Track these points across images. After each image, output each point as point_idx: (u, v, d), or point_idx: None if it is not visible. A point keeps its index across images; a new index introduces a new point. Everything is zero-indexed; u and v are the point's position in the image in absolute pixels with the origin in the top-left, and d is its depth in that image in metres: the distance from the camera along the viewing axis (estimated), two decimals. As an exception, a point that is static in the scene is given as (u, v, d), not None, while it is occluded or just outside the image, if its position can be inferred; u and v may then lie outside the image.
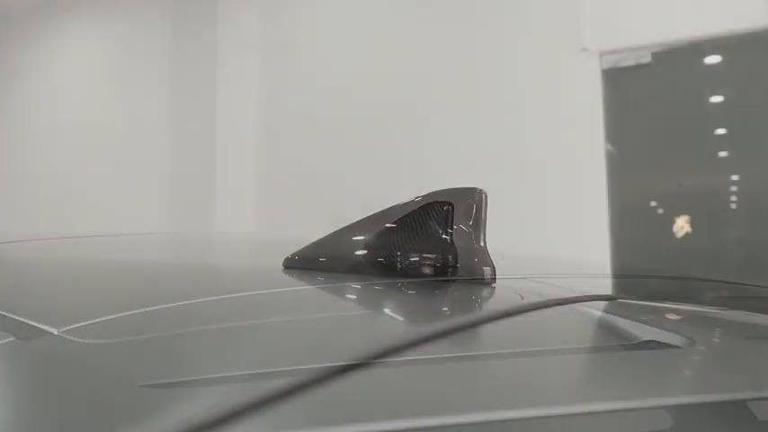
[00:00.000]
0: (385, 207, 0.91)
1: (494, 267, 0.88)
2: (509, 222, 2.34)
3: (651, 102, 2.84)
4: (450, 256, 0.87)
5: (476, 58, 3.60)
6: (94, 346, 0.56)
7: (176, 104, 5.01)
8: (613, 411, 0.46)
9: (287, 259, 0.93)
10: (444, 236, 0.88)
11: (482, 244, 0.89)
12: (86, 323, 0.61)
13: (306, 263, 0.92)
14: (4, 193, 5.97)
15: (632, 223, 2.84)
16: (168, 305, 0.71)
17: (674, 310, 0.85)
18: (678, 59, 2.83)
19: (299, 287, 0.88)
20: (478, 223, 0.89)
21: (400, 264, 0.88)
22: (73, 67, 5.82)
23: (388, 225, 0.89)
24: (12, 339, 0.57)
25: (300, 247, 0.93)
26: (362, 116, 4.11)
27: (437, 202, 0.89)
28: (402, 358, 0.44)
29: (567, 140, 3.04)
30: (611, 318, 0.73)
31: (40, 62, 6.04)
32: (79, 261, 1.10)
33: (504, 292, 0.86)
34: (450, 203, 0.89)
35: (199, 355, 0.59)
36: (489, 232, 0.89)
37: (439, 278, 0.87)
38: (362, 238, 0.90)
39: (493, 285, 0.87)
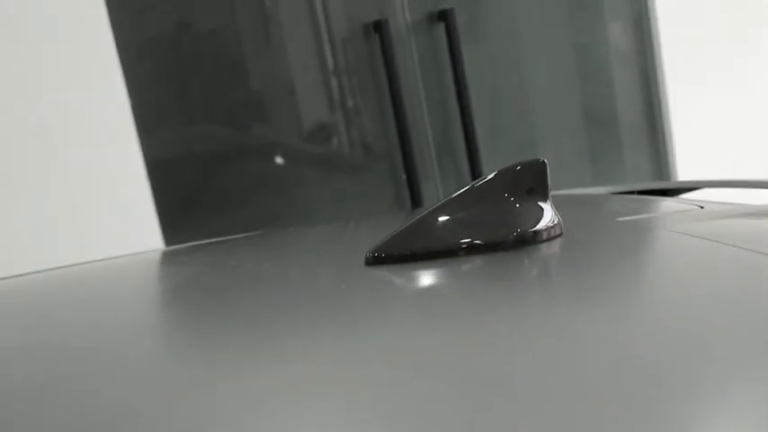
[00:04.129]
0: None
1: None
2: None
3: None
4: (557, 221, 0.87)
5: None
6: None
7: None
8: None
9: (368, 258, 0.83)
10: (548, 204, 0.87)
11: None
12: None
13: (393, 258, 0.83)
14: None
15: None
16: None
17: None
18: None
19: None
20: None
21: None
22: None
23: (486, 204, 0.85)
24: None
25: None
26: None
27: (528, 166, 0.87)
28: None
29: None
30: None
31: None
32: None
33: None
34: (543, 162, 0.87)
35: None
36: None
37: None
38: (453, 220, 0.84)
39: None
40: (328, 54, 2.58)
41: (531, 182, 0.88)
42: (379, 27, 2.51)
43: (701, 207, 1.07)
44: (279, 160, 2.63)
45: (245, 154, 2.61)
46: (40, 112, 2.24)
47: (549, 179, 0.89)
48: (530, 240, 0.86)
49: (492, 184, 0.87)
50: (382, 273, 0.82)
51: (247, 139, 2.60)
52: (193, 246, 1.42)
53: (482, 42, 2.72)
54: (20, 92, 2.21)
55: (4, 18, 2.18)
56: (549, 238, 0.87)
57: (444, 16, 2.56)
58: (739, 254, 0.77)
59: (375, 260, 0.84)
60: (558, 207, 0.91)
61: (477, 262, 0.82)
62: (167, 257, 1.32)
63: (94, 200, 2.28)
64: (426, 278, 0.81)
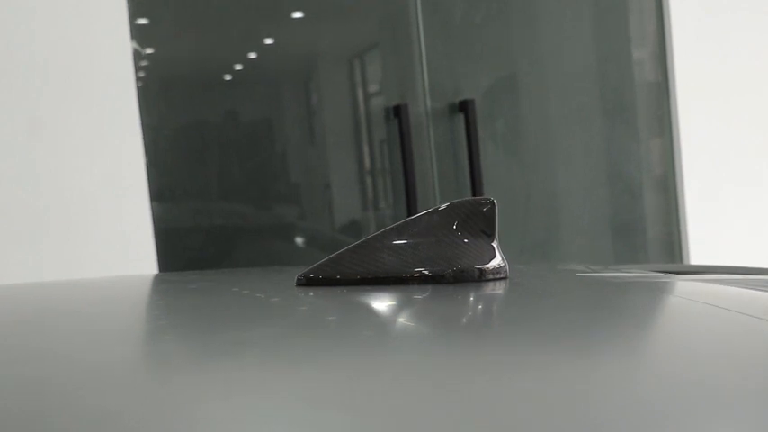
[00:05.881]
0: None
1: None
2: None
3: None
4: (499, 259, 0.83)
5: None
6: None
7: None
8: None
9: (299, 279, 0.81)
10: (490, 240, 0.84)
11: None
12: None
13: (322, 280, 0.80)
14: None
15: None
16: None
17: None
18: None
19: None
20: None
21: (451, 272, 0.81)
22: None
23: (421, 236, 0.83)
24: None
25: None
26: None
27: (475, 203, 0.85)
28: None
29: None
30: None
31: None
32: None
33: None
34: (491, 202, 0.84)
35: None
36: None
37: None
38: (393, 247, 0.82)
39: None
40: (365, 153, 2.62)
41: (478, 219, 0.86)
42: (398, 111, 2.53)
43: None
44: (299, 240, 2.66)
45: (263, 231, 2.64)
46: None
47: (496, 219, 0.87)
48: (471, 277, 0.83)
49: (438, 217, 0.85)
50: (303, 294, 0.80)
51: (269, 219, 2.64)
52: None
53: (500, 137, 2.74)
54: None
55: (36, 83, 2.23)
56: (493, 279, 0.84)
57: (464, 107, 2.58)
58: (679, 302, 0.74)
59: (306, 281, 0.82)
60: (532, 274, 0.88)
61: (407, 291, 0.79)
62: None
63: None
64: (339, 301, 0.79)
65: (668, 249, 2.88)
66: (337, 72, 2.68)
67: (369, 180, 2.70)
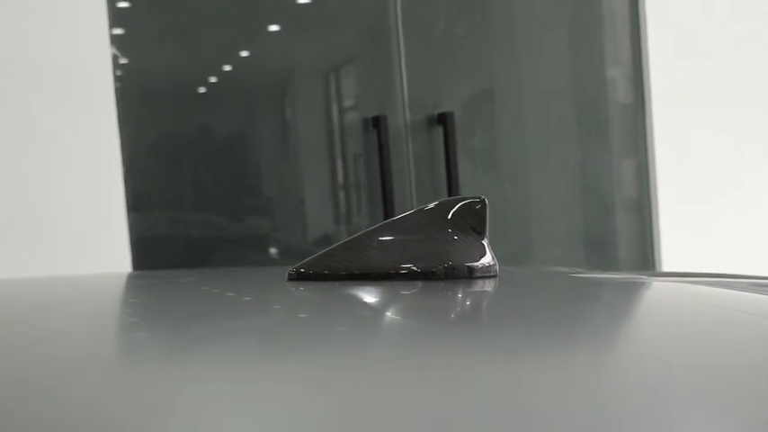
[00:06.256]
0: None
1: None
2: None
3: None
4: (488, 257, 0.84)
5: None
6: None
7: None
8: None
9: (290, 273, 0.81)
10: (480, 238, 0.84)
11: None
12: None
13: (314, 275, 0.80)
14: None
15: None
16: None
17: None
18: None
19: None
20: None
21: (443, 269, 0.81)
22: None
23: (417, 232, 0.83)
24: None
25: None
26: None
27: (467, 202, 0.85)
28: None
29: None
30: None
31: None
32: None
33: None
34: (482, 201, 0.85)
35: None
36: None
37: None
38: (385, 243, 0.82)
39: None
40: (339, 166, 2.63)
41: (469, 217, 0.86)
42: (377, 123, 2.54)
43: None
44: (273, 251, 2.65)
45: (238, 242, 2.63)
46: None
47: (487, 218, 0.87)
48: (461, 274, 0.83)
49: (429, 214, 0.85)
50: (294, 288, 0.80)
51: (244, 230, 2.63)
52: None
53: (480, 149, 2.75)
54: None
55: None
56: (483, 276, 0.84)
57: (443, 119, 2.59)
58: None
59: (297, 276, 0.82)
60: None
61: (397, 286, 0.79)
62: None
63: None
64: (329, 295, 0.79)
65: (642, 265, 2.91)
66: (315, 84, 2.69)
67: (345, 192, 2.70)
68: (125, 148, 2.34)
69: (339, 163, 2.67)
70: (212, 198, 2.57)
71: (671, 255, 2.84)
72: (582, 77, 2.88)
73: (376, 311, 0.77)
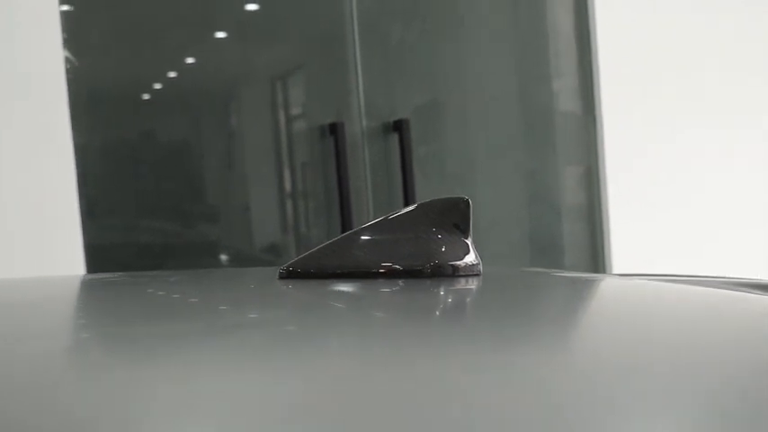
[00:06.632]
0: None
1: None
2: None
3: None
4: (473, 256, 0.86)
5: None
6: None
7: None
8: None
9: (281, 272, 0.82)
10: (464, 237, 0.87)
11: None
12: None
13: (303, 273, 0.82)
14: None
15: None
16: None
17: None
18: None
19: None
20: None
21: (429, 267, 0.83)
22: None
23: (402, 231, 0.85)
24: None
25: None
26: None
27: (452, 202, 0.87)
28: None
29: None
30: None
31: None
32: None
33: None
34: (466, 201, 0.87)
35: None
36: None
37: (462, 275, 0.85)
38: (373, 242, 0.84)
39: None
40: (287, 174, 2.63)
41: (454, 217, 0.88)
42: (334, 129, 2.55)
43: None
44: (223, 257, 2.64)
45: (190, 249, 2.62)
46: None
47: (471, 218, 0.89)
48: (447, 272, 0.85)
49: (415, 214, 0.87)
50: (285, 286, 0.81)
51: (195, 238, 2.62)
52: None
53: (433, 156, 2.78)
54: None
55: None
56: (466, 275, 0.86)
57: (399, 126, 2.61)
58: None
59: (288, 274, 0.83)
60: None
61: (385, 284, 0.81)
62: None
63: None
64: (319, 293, 0.80)
65: (592, 271, 2.96)
66: (267, 92, 2.69)
67: (301, 199, 2.71)
68: (78, 153, 2.31)
69: (291, 170, 2.68)
70: (163, 205, 2.55)
71: (620, 259, 2.90)
72: (532, 86, 2.93)
73: (362, 308, 0.79)
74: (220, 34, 2.60)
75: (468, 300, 0.85)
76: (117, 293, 0.84)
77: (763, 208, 3.14)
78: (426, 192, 2.68)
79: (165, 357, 0.55)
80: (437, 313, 0.76)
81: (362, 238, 0.85)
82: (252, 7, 2.61)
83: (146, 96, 2.55)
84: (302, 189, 2.69)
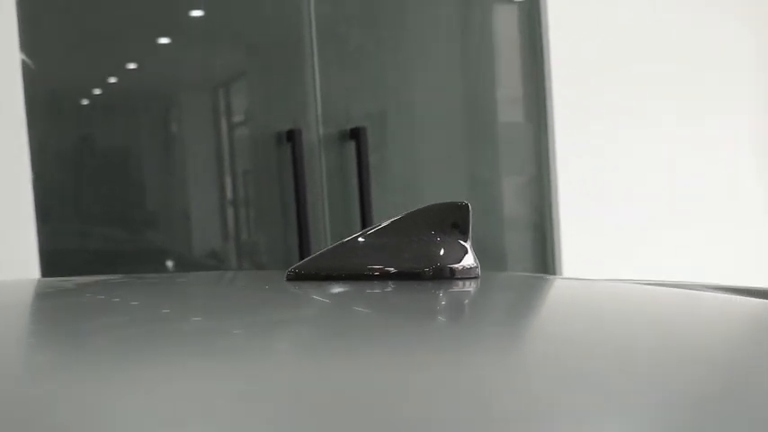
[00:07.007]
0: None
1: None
2: None
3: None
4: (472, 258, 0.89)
5: None
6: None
7: None
8: None
9: (289, 274, 0.84)
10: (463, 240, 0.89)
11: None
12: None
13: (310, 275, 0.84)
14: None
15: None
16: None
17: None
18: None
19: None
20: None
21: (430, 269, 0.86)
22: None
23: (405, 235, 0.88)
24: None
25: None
26: None
27: (452, 207, 0.90)
28: None
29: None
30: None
31: None
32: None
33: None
34: (466, 206, 0.90)
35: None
36: None
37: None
38: (376, 245, 0.86)
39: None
40: (241, 182, 2.63)
41: (454, 221, 0.91)
42: (292, 136, 2.56)
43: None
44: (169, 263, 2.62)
45: (141, 256, 2.60)
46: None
47: (470, 221, 0.92)
48: (446, 275, 0.88)
49: (417, 219, 0.89)
50: (292, 287, 0.84)
51: (144, 244, 2.60)
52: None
53: (387, 164, 2.80)
54: None
55: None
56: (466, 277, 0.89)
57: (356, 134, 2.63)
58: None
59: (296, 276, 0.85)
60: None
61: (390, 287, 0.84)
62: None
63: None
64: (325, 294, 0.83)
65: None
66: (228, 97, 2.69)
67: (258, 204, 2.71)
68: (33, 156, 2.29)
69: (245, 178, 2.68)
70: (112, 211, 2.53)
71: (571, 268, 2.96)
72: (483, 94, 2.97)
73: (365, 308, 0.81)
74: (165, 40, 2.58)
75: (466, 302, 0.87)
76: (134, 293, 0.85)
77: (713, 210, 3.24)
78: (381, 200, 2.70)
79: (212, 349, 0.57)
80: (433, 314, 0.78)
81: (367, 241, 0.87)
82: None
83: (88, 102, 2.52)
84: (258, 196, 2.69)
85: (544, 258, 3.00)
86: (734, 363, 0.57)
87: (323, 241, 2.61)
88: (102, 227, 2.55)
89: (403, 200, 2.81)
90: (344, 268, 0.85)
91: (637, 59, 3.09)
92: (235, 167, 2.67)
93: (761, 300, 0.88)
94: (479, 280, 0.90)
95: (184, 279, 1.00)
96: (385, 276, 0.85)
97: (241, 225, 2.72)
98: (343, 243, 0.87)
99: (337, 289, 0.83)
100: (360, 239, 0.87)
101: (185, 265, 2.61)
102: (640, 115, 3.09)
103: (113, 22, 2.47)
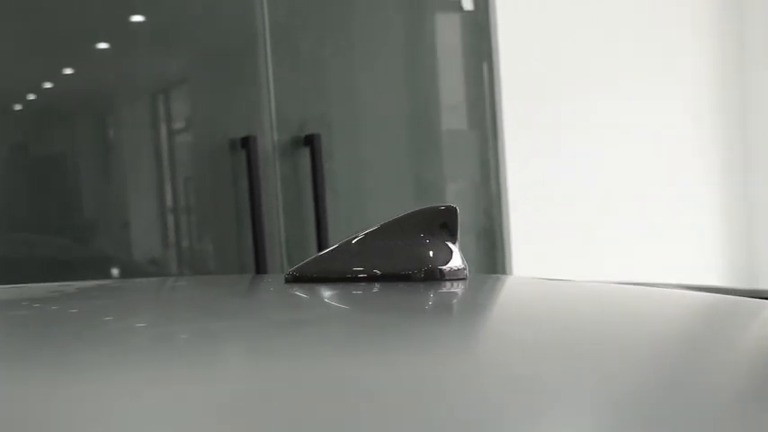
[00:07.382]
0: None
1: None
2: None
3: None
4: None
5: None
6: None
7: None
8: None
9: (287, 276, 0.87)
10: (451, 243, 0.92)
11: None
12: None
13: (308, 277, 0.86)
14: None
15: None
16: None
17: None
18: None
19: None
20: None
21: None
22: None
23: (396, 237, 0.90)
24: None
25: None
26: None
27: (440, 210, 0.93)
28: None
29: None
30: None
31: None
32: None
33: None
34: (454, 210, 0.92)
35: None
36: None
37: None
38: (371, 248, 0.89)
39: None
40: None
41: (443, 224, 0.94)
42: (246, 143, 2.56)
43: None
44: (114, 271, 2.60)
45: (86, 264, 2.57)
46: None
47: (458, 224, 0.95)
48: (437, 276, 0.90)
49: (409, 222, 0.92)
50: (292, 289, 0.86)
51: (86, 252, 2.57)
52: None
53: (340, 172, 2.81)
54: None
55: None
56: (455, 279, 0.92)
57: (311, 141, 2.64)
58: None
59: (294, 279, 0.87)
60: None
61: (383, 288, 0.87)
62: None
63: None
64: (323, 295, 0.85)
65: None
66: (180, 103, 2.68)
67: (211, 211, 2.70)
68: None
69: (197, 184, 2.67)
70: (52, 219, 2.49)
71: (521, 271, 3.01)
72: (433, 102, 3.01)
73: (362, 308, 0.84)
74: (104, 45, 2.56)
75: (453, 301, 0.90)
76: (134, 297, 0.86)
77: (660, 212, 3.33)
78: (336, 207, 2.72)
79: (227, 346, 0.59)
80: (425, 313, 0.81)
81: (361, 245, 0.90)
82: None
83: (20, 107, 2.48)
84: (212, 202, 2.68)
85: (494, 262, 3.04)
86: (679, 357, 0.60)
87: (277, 246, 2.62)
88: (37, 235, 2.50)
89: (356, 207, 2.83)
90: (341, 270, 0.88)
91: (585, 65, 3.17)
92: (186, 174, 2.65)
93: (714, 294, 0.92)
94: (467, 281, 0.93)
95: (184, 282, 1.01)
96: (379, 278, 0.88)
97: (193, 231, 2.71)
98: (339, 247, 0.90)
99: (336, 290, 0.87)
100: (354, 243, 0.90)
101: (132, 272, 2.58)
102: (587, 120, 3.16)
103: (50, 25, 2.44)
